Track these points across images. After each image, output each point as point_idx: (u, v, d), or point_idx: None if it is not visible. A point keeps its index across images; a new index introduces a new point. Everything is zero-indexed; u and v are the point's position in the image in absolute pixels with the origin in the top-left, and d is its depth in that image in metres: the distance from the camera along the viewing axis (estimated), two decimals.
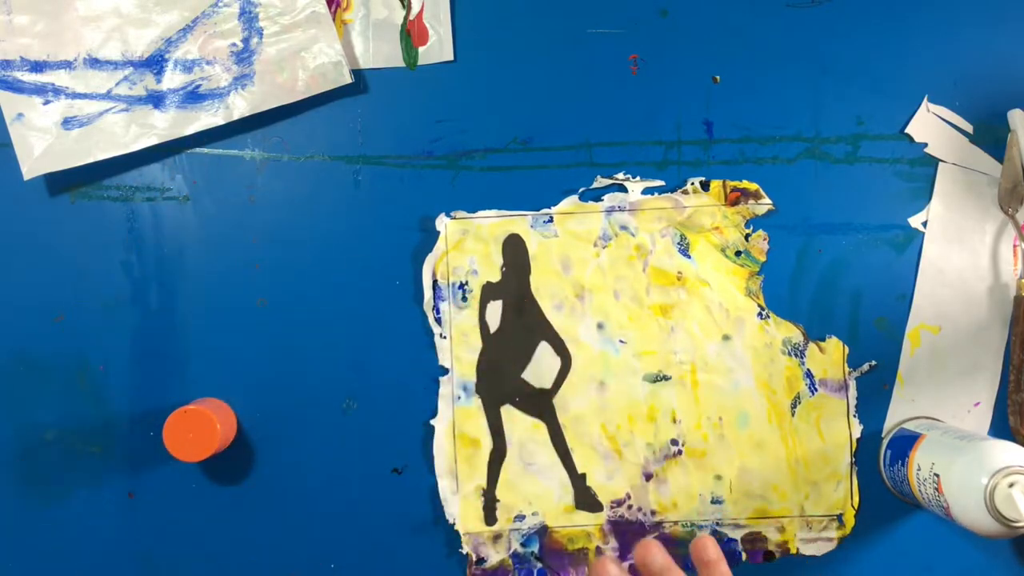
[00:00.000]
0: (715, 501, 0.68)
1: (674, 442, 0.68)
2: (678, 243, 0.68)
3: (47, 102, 0.68)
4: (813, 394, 0.68)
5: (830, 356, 0.68)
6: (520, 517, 0.68)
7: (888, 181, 0.68)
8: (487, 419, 0.68)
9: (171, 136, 0.68)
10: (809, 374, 0.68)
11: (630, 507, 0.68)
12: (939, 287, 0.68)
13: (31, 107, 0.67)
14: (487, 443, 0.68)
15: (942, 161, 0.68)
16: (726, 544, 0.68)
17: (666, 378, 0.68)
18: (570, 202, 0.68)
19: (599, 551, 0.68)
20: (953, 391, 0.68)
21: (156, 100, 0.68)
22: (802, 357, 0.68)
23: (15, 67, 0.68)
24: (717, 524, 0.68)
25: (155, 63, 0.68)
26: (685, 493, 0.68)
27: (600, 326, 0.68)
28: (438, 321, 0.68)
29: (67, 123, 0.67)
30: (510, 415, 0.68)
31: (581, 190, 0.69)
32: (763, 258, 0.68)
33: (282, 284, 0.69)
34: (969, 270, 0.68)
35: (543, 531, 0.68)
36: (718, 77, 0.69)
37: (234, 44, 0.68)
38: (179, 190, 0.69)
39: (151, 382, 0.68)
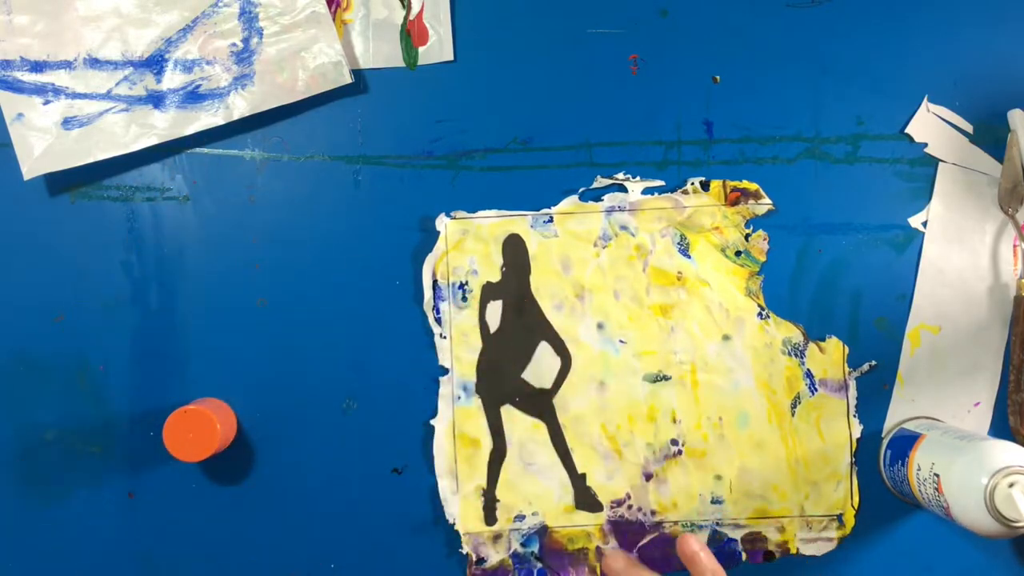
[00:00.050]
0: (715, 501, 0.68)
1: (674, 442, 0.68)
2: (678, 243, 0.68)
3: (47, 102, 0.68)
4: (813, 394, 0.68)
5: (830, 356, 0.68)
6: (520, 517, 0.68)
7: (888, 181, 0.68)
8: (487, 419, 0.68)
9: (171, 136, 0.68)
10: (809, 374, 0.68)
11: (630, 507, 0.68)
12: (939, 287, 0.68)
13: (31, 107, 0.67)
14: (487, 443, 0.68)
15: (942, 161, 0.68)
16: (726, 544, 0.68)
17: (666, 378, 0.68)
18: (570, 202, 0.68)
19: (599, 551, 0.68)
20: (953, 391, 0.68)
21: (156, 100, 0.68)
22: (802, 357, 0.68)
23: (15, 67, 0.68)
24: (717, 524, 0.68)
25: (155, 63, 0.68)
26: (685, 493, 0.68)
27: (600, 326, 0.68)
28: (438, 321, 0.68)
29: (67, 123, 0.67)
30: (510, 415, 0.68)
31: (581, 190, 0.69)
32: (763, 258, 0.68)
33: (282, 284, 0.69)
34: (969, 270, 0.68)
35: (543, 531, 0.68)
36: (718, 77, 0.69)
37: (234, 44, 0.68)
38: (179, 190, 0.69)
39: (151, 382, 0.68)
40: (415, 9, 0.69)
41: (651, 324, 0.68)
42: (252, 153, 0.69)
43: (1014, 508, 0.56)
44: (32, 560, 0.68)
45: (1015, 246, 0.68)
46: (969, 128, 0.68)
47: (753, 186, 0.68)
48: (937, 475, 0.59)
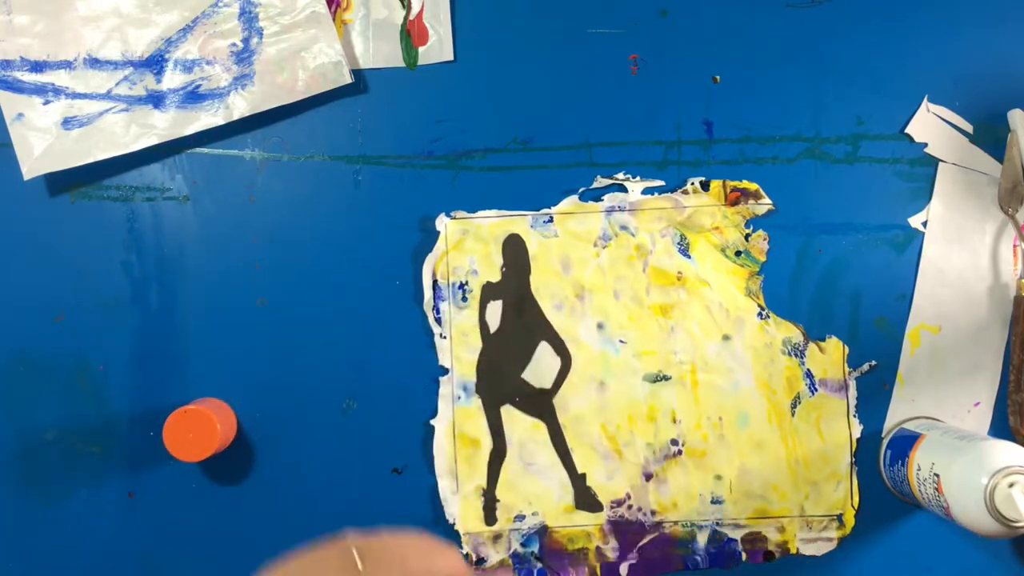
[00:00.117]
0: (715, 501, 0.68)
1: (674, 442, 0.68)
2: (678, 243, 0.68)
3: (47, 102, 0.68)
4: (813, 394, 0.68)
5: (830, 356, 0.68)
6: (520, 517, 0.68)
7: (888, 181, 0.68)
8: (487, 419, 0.68)
9: (171, 136, 0.68)
10: (809, 374, 0.68)
11: (630, 507, 0.68)
12: (939, 287, 0.68)
13: (31, 107, 0.67)
14: (487, 443, 0.68)
15: (942, 161, 0.68)
16: (726, 544, 0.68)
17: (666, 378, 0.68)
18: (570, 202, 0.68)
19: (599, 551, 0.68)
20: (953, 391, 0.68)
21: (156, 100, 0.68)
22: (802, 357, 0.68)
23: (15, 67, 0.68)
24: (717, 524, 0.68)
25: (155, 63, 0.68)
26: (685, 493, 0.68)
27: (600, 326, 0.68)
28: (438, 321, 0.68)
29: (67, 123, 0.67)
30: (510, 415, 0.68)
31: (581, 190, 0.69)
32: (763, 258, 0.68)
33: (282, 284, 0.69)
34: (969, 270, 0.68)
35: (543, 531, 0.68)
36: (718, 77, 0.69)
37: (234, 44, 0.68)
38: (179, 190, 0.69)
39: (151, 382, 0.68)
40: (415, 9, 0.69)
41: (651, 324, 0.68)
42: (252, 153, 0.69)
43: (1014, 508, 0.56)
44: (32, 560, 0.68)
45: (1015, 246, 0.68)
46: (969, 128, 0.68)
47: (753, 186, 0.68)
48: (937, 475, 0.59)
